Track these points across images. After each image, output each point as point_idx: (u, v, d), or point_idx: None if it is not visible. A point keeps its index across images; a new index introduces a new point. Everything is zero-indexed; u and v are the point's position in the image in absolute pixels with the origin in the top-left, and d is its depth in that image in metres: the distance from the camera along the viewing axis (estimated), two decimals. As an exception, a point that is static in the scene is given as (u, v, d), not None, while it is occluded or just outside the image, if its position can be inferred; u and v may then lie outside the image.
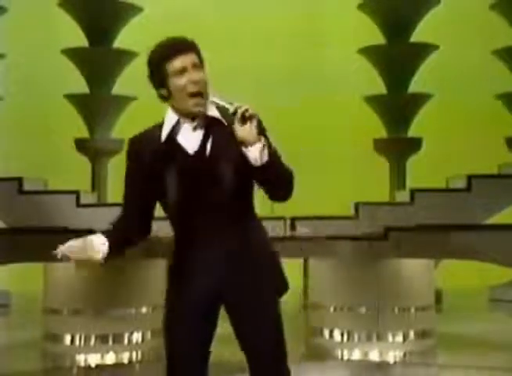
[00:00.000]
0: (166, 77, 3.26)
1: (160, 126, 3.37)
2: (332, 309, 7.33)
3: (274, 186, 3.34)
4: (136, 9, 10.65)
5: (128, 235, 3.48)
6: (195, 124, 3.32)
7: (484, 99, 11.16)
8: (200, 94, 3.25)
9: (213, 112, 3.31)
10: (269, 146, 3.22)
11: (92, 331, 7.08)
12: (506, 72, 10.94)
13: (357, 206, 8.19)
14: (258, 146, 3.16)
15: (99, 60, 10.58)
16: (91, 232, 6.95)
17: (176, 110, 3.33)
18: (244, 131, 3.16)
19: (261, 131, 3.23)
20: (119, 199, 10.29)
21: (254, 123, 3.16)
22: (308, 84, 12.18)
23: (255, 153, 3.18)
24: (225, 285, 3.35)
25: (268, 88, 11.38)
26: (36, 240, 6.83)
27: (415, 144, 10.82)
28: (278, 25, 12.69)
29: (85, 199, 8.72)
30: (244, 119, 3.14)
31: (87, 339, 7.09)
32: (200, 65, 3.29)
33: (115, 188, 10.67)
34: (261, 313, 3.40)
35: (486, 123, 11.49)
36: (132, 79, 10.78)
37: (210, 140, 3.33)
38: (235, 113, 3.14)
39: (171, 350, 3.47)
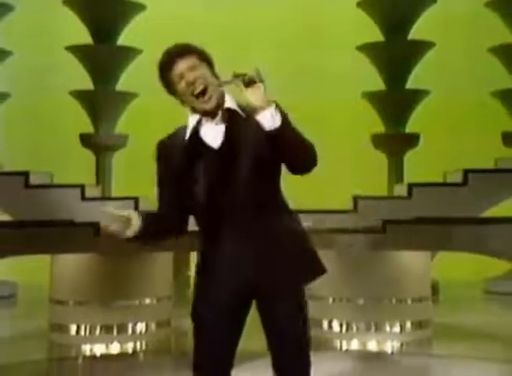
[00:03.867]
0: (173, 85, 3.33)
1: (184, 127, 3.41)
2: (331, 300, 7.39)
3: (291, 155, 3.26)
4: (139, 7, 10.73)
5: (161, 230, 3.48)
6: (216, 119, 3.35)
7: (481, 96, 11.23)
8: (203, 92, 3.27)
9: (231, 104, 3.35)
10: (284, 115, 3.15)
11: (97, 322, 7.13)
12: (501, 69, 10.99)
13: (356, 200, 8.22)
14: (269, 110, 3.11)
15: (103, 57, 10.63)
16: (95, 225, 7.00)
17: (194, 110, 3.37)
18: (252, 95, 3.13)
19: (281, 110, 3.18)
20: (123, 193, 10.28)
21: (261, 88, 3.13)
22: (309, 81, 12.23)
23: (267, 117, 3.12)
24: (252, 285, 3.33)
25: (268, 85, 11.47)
26: (42, 233, 6.89)
27: (413, 139, 10.86)
28: (279, 23, 12.71)
29: (90, 192, 8.77)
30: (248, 84, 3.13)
31: (92, 329, 7.16)
32: (198, 65, 3.32)
33: (119, 182, 10.73)
34: (293, 303, 3.40)
35: (482, 119, 11.58)
36: (136, 76, 10.85)
37: (232, 133, 3.35)
38: (239, 78, 3.12)
39: (199, 348, 3.44)
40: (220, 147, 3.33)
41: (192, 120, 3.39)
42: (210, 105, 3.30)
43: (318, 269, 3.44)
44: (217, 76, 3.39)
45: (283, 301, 3.37)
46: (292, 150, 3.25)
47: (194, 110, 3.37)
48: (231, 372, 3.50)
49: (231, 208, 3.32)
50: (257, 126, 3.19)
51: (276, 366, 3.45)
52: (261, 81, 3.14)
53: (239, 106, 3.36)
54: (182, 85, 3.31)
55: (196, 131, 3.38)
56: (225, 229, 3.34)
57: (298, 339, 3.44)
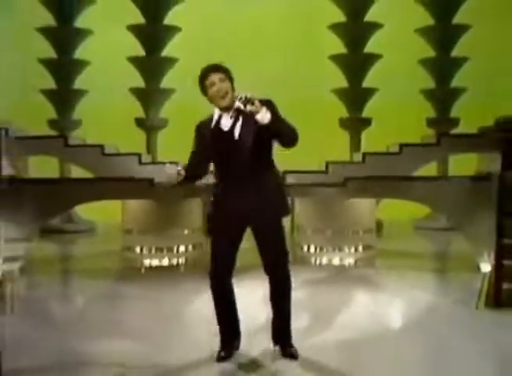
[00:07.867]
0: (206, 88, 3.76)
1: (212, 116, 3.89)
2: (310, 232, 7.50)
3: (282, 137, 3.66)
4: (176, 29, 10.73)
5: (192, 175, 3.88)
6: (230, 114, 3.81)
7: (413, 92, 11.13)
8: (225, 96, 3.72)
9: (237, 105, 3.70)
10: (273, 113, 3.59)
11: (153, 244, 7.29)
12: (426, 75, 11.05)
13: (327, 164, 7.93)
14: (262, 111, 3.58)
15: (151, 65, 10.69)
16: (151, 181, 7.23)
17: (217, 107, 3.83)
18: (251, 107, 3.59)
19: (272, 108, 3.62)
20: (165, 159, 10.28)
21: (256, 103, 3.56)
22: (298, 86, 11.99)
23: (262, 116, 3.58)
24: (249, 212, 3.78)
25: (264, 85, 11.06)
26: (113, 186, 6.94)
27: (366, 122, 10.92)
28: (277, 27, 12.32)
29: (144, 159, 8.75)
30: (248, 101, 3.58)
31: (150, 250, 7.32)
32: (223, 78, 3.72)
33: (163, 151, 10.71)
34: (274, 229, 3.83)
35: (413, 108, 11.38)
36: (173, 79, 10.85)
37: (238, 123, 3.79)
38: (244, 100, 3.59)
39: (215, 252, 3.85)
40: (228, 130, 3.77)
41: (217, 112, 3.81)
42: (225, 104, 3.74)
43: (286, 211, 3.90)
44: (233, 86, 3.76)
45: (267, 226, 3.82)
46: (280, 133, 3.66)
47: (216, 106, 3.79)
48: (232, 273, 3.90)
49: (237, 167, 3.75)
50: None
51: (267, 264, 3.85)
52: (252, 102, 3.57)
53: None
54: (212, 90, 3.72)
55: (218, 121, 3.81)
56: (233, 179, 3.77)
57: (280, 244, 3.86)
